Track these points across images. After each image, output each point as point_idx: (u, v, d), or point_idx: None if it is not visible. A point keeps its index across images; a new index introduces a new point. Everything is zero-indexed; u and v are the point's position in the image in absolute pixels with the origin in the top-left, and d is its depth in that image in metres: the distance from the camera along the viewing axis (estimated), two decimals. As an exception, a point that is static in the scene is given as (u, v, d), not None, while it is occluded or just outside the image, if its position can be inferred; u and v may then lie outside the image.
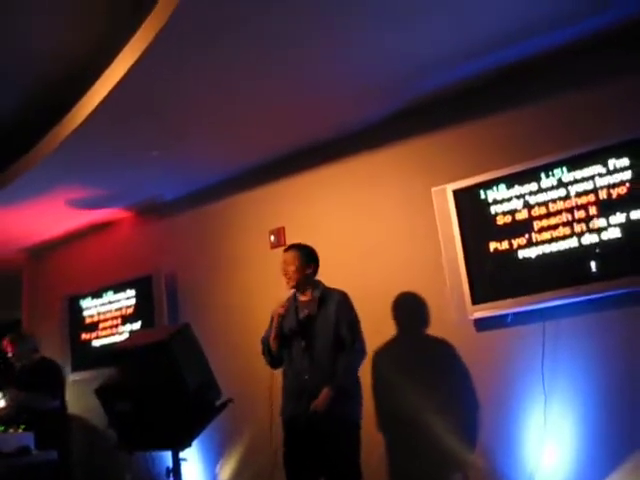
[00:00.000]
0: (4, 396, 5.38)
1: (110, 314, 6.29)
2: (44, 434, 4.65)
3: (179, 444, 3.58)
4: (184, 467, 3.66)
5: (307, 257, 4.06)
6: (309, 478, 3.80)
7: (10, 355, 5.46)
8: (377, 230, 4.84)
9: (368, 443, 4.31)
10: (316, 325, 3.88)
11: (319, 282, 4.08)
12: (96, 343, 6.37)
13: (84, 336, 6.47)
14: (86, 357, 6.38)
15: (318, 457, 3.74)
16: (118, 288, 6.24)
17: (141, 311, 6.03)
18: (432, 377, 4.44)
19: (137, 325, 6.04)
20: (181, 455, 3.63)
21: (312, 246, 4.14)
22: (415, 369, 4.51)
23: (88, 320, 6.47)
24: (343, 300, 3.94)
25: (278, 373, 4.11)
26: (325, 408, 3.66)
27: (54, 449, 4.69)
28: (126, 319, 6.15)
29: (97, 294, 6.42)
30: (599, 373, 3.86)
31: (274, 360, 4.03)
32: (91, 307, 6.46)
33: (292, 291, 4.08)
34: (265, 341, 4.04)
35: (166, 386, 3.43)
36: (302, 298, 4.03)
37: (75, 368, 6.44)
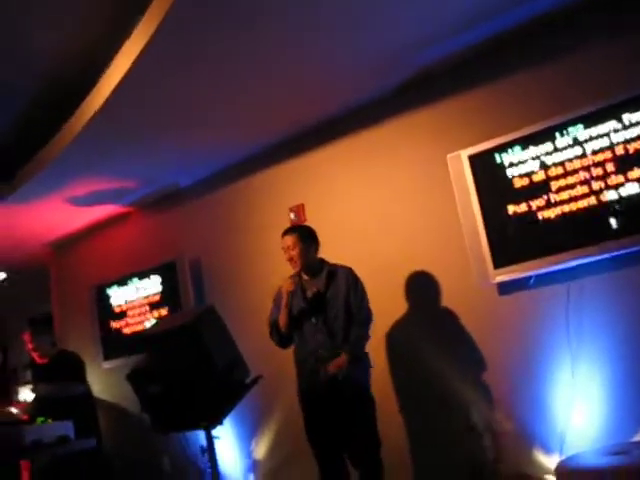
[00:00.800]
0: (33, 391, 5.51)
1: (137, 301, 6.37)
2: (78, 422, 4.74)
3: (211, 423, 3.64)
4: (218, 445, 3.72)
5: (307, 238, 4.08)
6: (333, 449, 3.88)
7: (30, 348, 5.56)
8: (395, 201, 4.83)
9: (392, 411, 4.37)
10: (326, 301, 3.92)
11: (323, 260, 4.12)
12: (126, 331, 6.45)
13: (113, 324, 6.56)
14: (117, 345, 6.47)
15: (338, 426, 3.83)
16: (143, 275, 6.31)
17: (167, 297, 6.10)
18: (457, 344, 4.45)
19: (164, 311, 6.11)
20: (214, 433, 3.69)
21: (309, 225, 4.22)
22: (440, 337, 4.53)
23: (116, 309, 6.55)
24: (351, 275, 4.00)
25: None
26: (344, 372, 3.73)
27: (90, 436, 4.79)
28: (153, 305, 6.22)
29: (122, 282, 6.49)
30: (625, 331, 3.85)
31: (283, 340, 4.07)
32: (118, 295, 6.54)
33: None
34: (273, 322, 4.08)
35: (195, 367, 3.48)
36: (306, 277, 4.06)
37: (107, 357, 6.55)
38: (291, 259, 4.04)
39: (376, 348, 4.50)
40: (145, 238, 6.58)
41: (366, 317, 3.95)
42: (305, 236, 4.07)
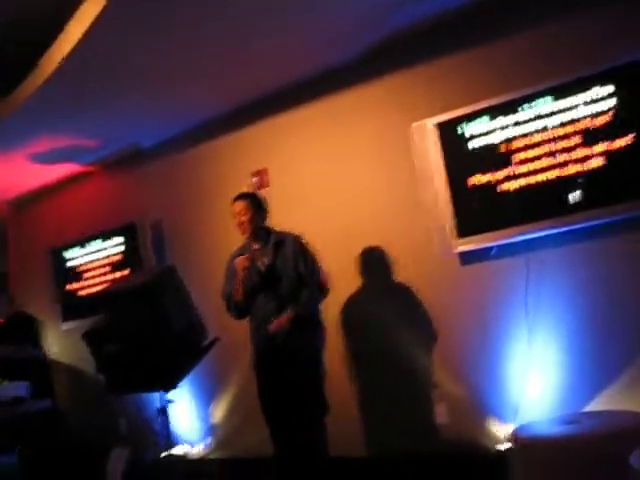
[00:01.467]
0: None
1: (97, 263, 6.30)
2: (33, 383, 4.71)
3: (166, 385, 3.62)
4: (173, 408, 3.70)
5: (258, 205, 4.10)
6: (283, 415, 3.89)
7: None
8: (358, 169, 4.81)
9: (350, 378, 4.39)
10: (277, 271, 3.93)
11: (269, 228, 4.13)
12: (85, 292, 6.37)
13: (72, 286, 6.48)
14: (75, 306, 6.39)
15: (287, 390, 3.85)
16: (103, 236, 6.23)
17: (128, 258, 6.03)
18: (417, 312, 4.47)
19: (126, 272, 6.03)
20: (169, 396, 3.67)
21: (258, 193, 4.25)
22: (400, 305, 4.56)
23: (76, 270, 6.47)
24: (298, 242, 4.02)
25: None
26: (284, 328, 3.77)
27: (44, 397, 4.76)
28: (114, 267, 6.16)
29: (83, 244, 6.40)
30: (581, 304, 3.89)
31: (241, 312, 4.06)
32: (77, 257, 6.45)
33: (244, 241, 4.14)
34: (228, 297, 4.06)
35: (152, 328, 3.45)
36: (255, 246, 4.07)
37: (65, 318, 6.46)
38: (241, 224, 4.06)
39: (334, 316, 4.52)
40: (106, 199, 6.48)
41: (316, 280, 3.97)
42: (255, 203, 4.10)
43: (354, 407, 4.67)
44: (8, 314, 5.47)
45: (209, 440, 5.50)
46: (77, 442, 5.85)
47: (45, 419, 4.90)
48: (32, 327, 5.46)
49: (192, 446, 5.54)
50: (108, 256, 6.21)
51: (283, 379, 3.86)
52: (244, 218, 4.04)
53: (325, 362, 3.96)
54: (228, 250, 5.42)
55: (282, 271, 3.94)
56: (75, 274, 6.47)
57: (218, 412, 5.48)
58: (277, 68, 4.79)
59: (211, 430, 5.51)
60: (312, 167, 5.03)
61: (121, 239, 6.10)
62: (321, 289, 4.01)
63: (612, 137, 3.73)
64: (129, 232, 6.01)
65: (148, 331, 3.44)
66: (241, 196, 4.17)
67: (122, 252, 6.11)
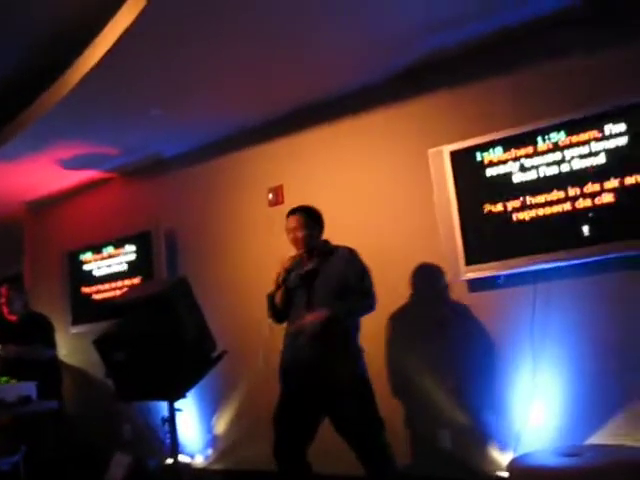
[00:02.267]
0: (0, 351, 5.50)
1: (110, 269, 6.37)
2: (42, 384, 4.76)
3: (174, 395, 3.66)
4: (180, 417, 3.75)
5: (312, 219, 3.90)
6: (299, 433, 3.73)
7: (3, 302, 5.53)
8: (373, 190, 4.87)
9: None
10: (318, 278, 3.76)
11: (327, 242, 3.97)
12: (96, 297, 6.45)
13: (84, 290, 6.56)
14: (86, 311, 6.47)
15: (321, 409, 3.70)
16: (118, 243, 6.30)
17: (140, 266, 6.10)
18: (423, 336, 4.52)
19: (136, 280, 6.10)
20: (176, 405, 3.72)
21: (314, 206, 4.01)
22: (407, 328, 4.60)
23: (88, 275, 6.55)
24: (350, 254, 3.83)
25: (279, 328, 4.02)
26: (318, 326, 3.58)
27: (52, 398, 4.81)
28: (126, 274, 6.22)
29: (97, 249, 6.48)
30: (588, 335, 3.93)
31: (278, 315, 3.92)
32: (91, 261, 6.53)
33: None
34: (270, 297, 3.93)
35: (163, 337, 3.49)
36: (307, 256, 3.90)
37: (75, 321, 6.54)
38: (295, 240, 3.87)
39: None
40: (123, 206, 6.56)
41: (367, 290, 3.73)
42: (310, 217, 3.89)
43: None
44: (22, 314, 5.52)
45: (210, 451, 5.55)
46: (81, 445, 5.90)
47: (51, 420, 4.95)
48: (45, 328, 5.51)
49: (193, 457, 5.59)
50: (120, 263, 6.28)
51: (312, 395, 3.69)
52: (299, 235, 3.84)
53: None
54: (240, 264, 5.53)
55: (323, 280, 3.75)
56: (87, 279, 6.56)
57: (221, 424, 5.52)
58: (298, 87, 4.86)
59: (213, 441, 5.56)
60: (327, 186, 5.09)
61: (134, 247, 6.17)
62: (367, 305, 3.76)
63: (623, 174, 3.79)
64: (143, 240, 6.08)
65: (159, 341, 3.49)
66: (295, 210, 3.95)
67: (135, 259, 6.17)
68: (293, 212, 3.94)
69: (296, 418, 3.73)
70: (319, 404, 3.69)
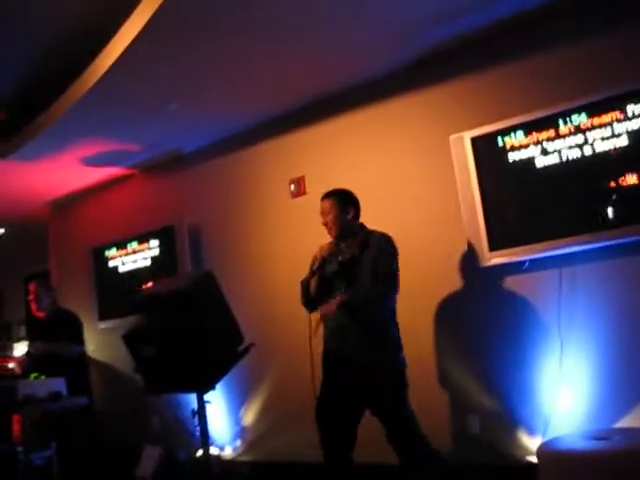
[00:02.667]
0: (30, 347, 5.58)
1: (135, 264, 6.43)
2: (71, 380, 4.82)
3: (203, 387, 3.69)
4: (209, 410, 3.78)
5: (344, 202, 3.85)
6: (343, 419, 3.71)
7: (32, 298, 5.60)
8: (396, 178, 4.86)
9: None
10: (358, 267, 3.70)
11: (362, 226, 3.92)
12: (122, 292, 6.50)
13: (110, 285, 6.63)
14: (113, 306, 6.53)
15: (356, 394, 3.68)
16: (142, 238, 6.36)
17: (165, 261, 6.15)
18: (449, 323, 4.53)
19: (161, 274, 6.13)
20: (205, 398, 3.75)
21: (349, 189, 3.96)
22: (433, 315, 4.59)
23: (114, 270, 6.62)
24: (384, 244, 3.77)
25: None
26: (332, 313, 3.62)
27: (82, 394, 4.87)
28: (151, 268, 6.28)
29: (121, 244, 6.55)
30: (613, 319, 3.91)
31: (311, 302, 3.84)
32: (116, 257, 6.60)
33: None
34: (305, 283, 3.87)
35: (190, 331, 3.52)
36: (343, 244, 3.84)
37: (102, 317, 6.62)
38: (326, 224, 3.85)
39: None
40: (146, 201, 6.62)
41: (387, 274, 3.68)
42: (342, 199, 3.85)
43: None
44: (50, 311, 5.59)
45: (239, 442, 5.59)
46: (111, 439, 5.97)
47: (81, 415, 5.01)
48: (73, 324, 5.57)
49: (222, 448, 5.64)
50: (145, 258, 6.34)
51: (351, 383, 3.67)
52: (328, 218, 3.82)
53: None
54: (264, 256, 5.54)
55: (362, 269, 3.68)
56: (113, 275, 6.62)
57: (249, 415, 5.57)
58: (316, 78, 4.86)
59: (242, 433, 5.60)
60: (349, 176, 5.06)
61: (158, 242, 6.22)
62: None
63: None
64: (167, 235, 6.13)
65: (186, 335, 3.52)
66: (327, 194, 3.92)
67: (158, 255, 6.23)
68: (324, 197, 3.93)
69: (337, 412, 3.71)
70: (356, 394, 3.68)
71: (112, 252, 6.63)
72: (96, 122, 5.20)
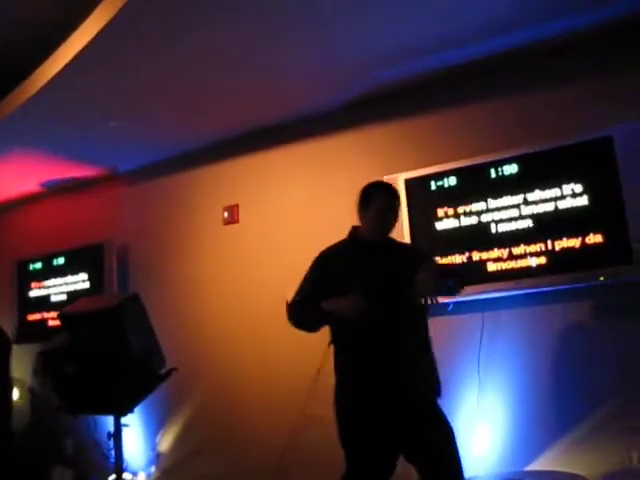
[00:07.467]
0: None
1: (60, 280, 6.29)
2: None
3: (121, 409, 3.64)
4: (125, 433, 3.72)
5: (360, 201, 3.30)
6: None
7: None
8: (327, 213, 4.90)
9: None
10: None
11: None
12: (44, 315, 6.36)
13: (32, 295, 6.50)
14: (32, 330, 6.35)
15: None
16: (69, 255, 6.24)
17: (91, 279, 6.03)
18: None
19: (86, 293, 6.03)
20: (123, 421, 3.69)
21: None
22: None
23: (36, 285, 6.46)
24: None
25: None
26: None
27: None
28: (77, 288, 6.15)
29: (47, 260, 6.40)
30: (531, 364, 4.04)
31: (303, 326, 3.24)
32: (39, 274, 6.45)
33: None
34: (304, 299, 3.24)
35: (111, 351, 3.49)
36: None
37: (18, 341, 6.37)
38: (391, 225, 3.27)
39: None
40: (77, 218, 6.49)
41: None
42: (359, 199, 3.28)
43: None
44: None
45: (153, 469, 5.49)
46: (21, 459, 5.76)
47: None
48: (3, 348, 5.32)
49: (136, 474, 5.52)
50: (72, 275, 6.20)
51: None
52: (395, 219, 3.24)
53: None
54: (193, 282, 5.50)
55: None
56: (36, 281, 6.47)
57: (166, 441, 5.48)
58: (255, 110, 4.90)
59: (157, 459, 5.50)
60: (282, 207, 5.13)
61: (85, 259, 6.10)
62: None
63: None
64: (95, 253, 5.99)
65: (107, 355, 3.48)
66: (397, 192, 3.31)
67: (85, 273, 6.10)
68: (398, 195, 3.32)
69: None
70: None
71: (37, 266, 6.47)
72: (32, 133, 5.11)
